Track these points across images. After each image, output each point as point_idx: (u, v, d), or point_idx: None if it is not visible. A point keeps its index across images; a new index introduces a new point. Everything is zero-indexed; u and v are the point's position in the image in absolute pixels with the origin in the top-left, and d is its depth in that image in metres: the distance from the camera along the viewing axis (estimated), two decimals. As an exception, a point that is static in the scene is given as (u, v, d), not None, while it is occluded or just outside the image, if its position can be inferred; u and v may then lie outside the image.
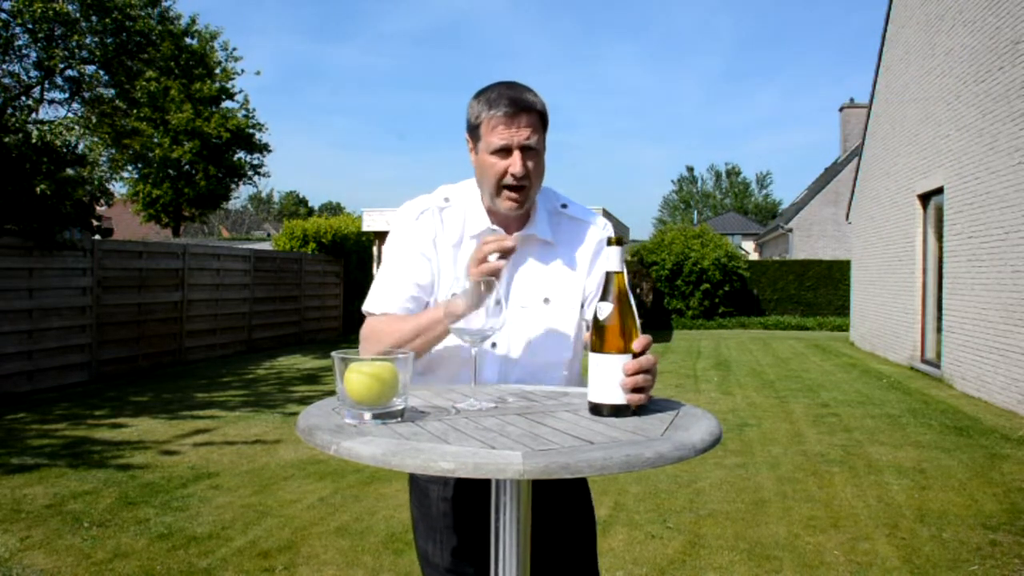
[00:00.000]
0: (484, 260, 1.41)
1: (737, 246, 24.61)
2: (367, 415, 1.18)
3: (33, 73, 10.32)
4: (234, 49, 24.14)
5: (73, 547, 3.62)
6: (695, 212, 66.45)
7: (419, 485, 1.68)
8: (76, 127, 8.61)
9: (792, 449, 5.74)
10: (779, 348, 14.23)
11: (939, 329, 9.90)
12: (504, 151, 1.53)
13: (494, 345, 1.60)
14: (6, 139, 7.99)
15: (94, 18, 10.12)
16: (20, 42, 10.02)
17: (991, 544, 3.74)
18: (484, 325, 1.34)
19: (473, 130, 1.58)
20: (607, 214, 14.63)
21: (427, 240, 1.63)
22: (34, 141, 8.06)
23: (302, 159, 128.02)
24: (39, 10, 9.29)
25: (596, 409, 1.26)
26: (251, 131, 25.47)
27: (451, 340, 1.53)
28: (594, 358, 1.26)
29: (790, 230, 28.54)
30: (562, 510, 1.66)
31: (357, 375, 1.18)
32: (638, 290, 18.81)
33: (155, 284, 10.30)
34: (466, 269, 1.44)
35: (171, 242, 17.83)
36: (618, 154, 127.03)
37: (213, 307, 11.58)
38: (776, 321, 19.99)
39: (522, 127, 1.52)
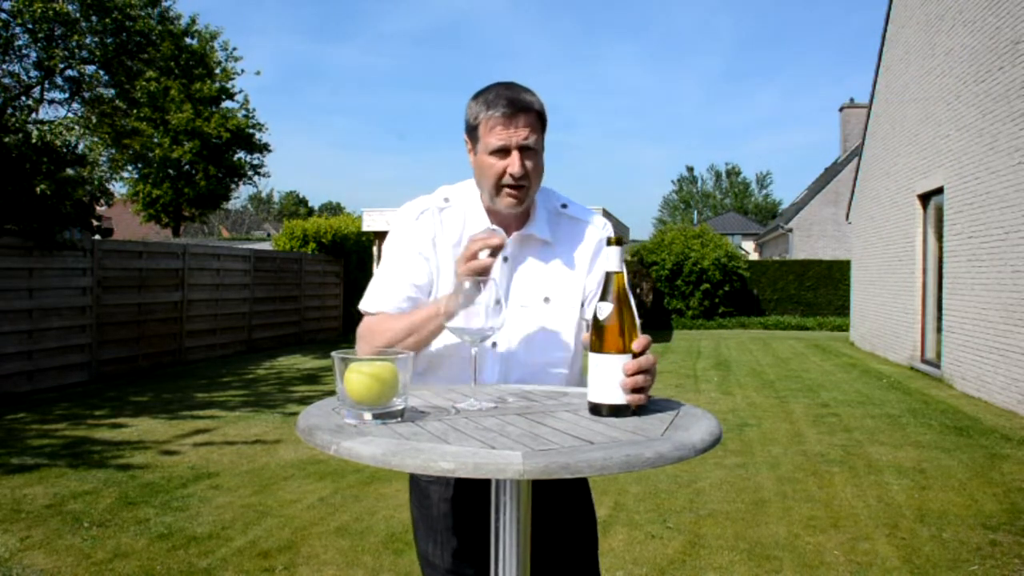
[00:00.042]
0: (473, 257, 1.41)
1: (737, 246, 24.61)
2: (367, 415, 1.18)
3: (33, 73, 10.34)
4: (234, 49, 24.15)
5: (73, 547, 3.62)
6: (695, 212, 66.45)
7: (420, 486, 1.68)
8: (76, 127, 8.61)
9: (792, 449, 5.74)
10: (779, 348, 14.24)
11: (939, 329, 9.90)
12: (502, 151, 1.53)
13: (494, 344, 1.60)
14: (6, 139, 7.99)
15: (94, 18, 10.12)
16: (20, 42, 10.02)
17: (991, 544, 3.74)
18: (484, 325, 1.35)
19: (472, 131, 1.58)
20: (607, 214, 14.63)
21: (426, 240, 1.63)
22: (34, 141, 8.06)
23: (302, 159, 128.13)
24: (39, 10, 9.29)
25: (596, 409, 1.26)
26: (251, 131, 25.47)
27: (451, 340, 1.53)
28: (594, 358, 1.26)
29: (790, 230, 28.55)
30: (563, 511, 1.66)
31: (357, 375, 1.18)
32: (638, 290, 18.81)
33: (155, 284, 10.30)
34: (455, 266, 1.45)
35: (171, 242, 17.83)
36: (618, 154, 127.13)
37: (213, 307, 11.58)
38: (776, 321, 19.99)
39: (520, 127, 1.52)
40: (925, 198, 10.79)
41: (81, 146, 8.72)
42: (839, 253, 25.18)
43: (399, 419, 1.20)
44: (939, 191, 9.99)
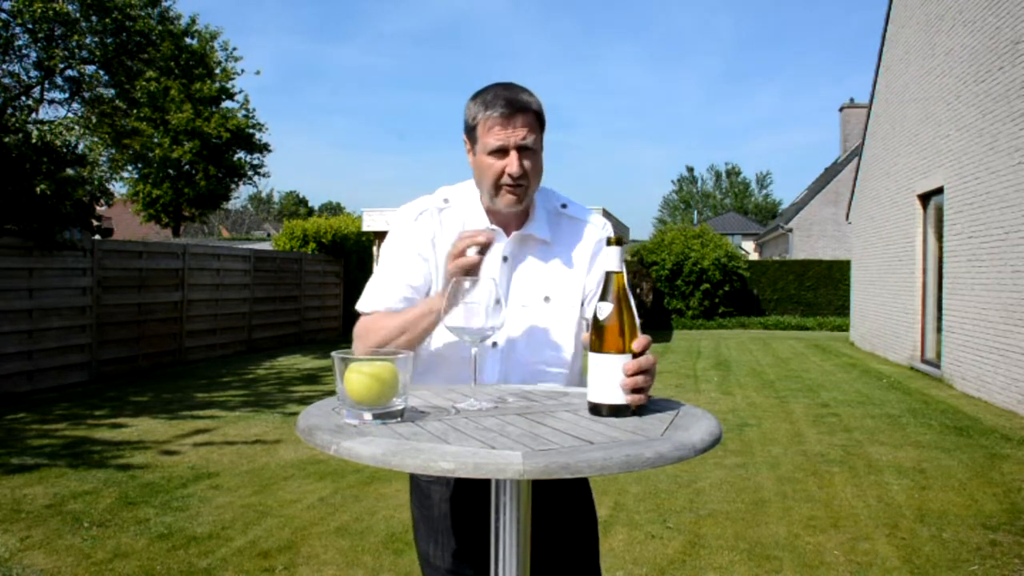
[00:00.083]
0: (461, 255, 1.42)
1: (737, 246, 24.61)
2: (367, 415, 1.18)
3: (33, 73, 10.33)
4: (234, 49, 24.14)
5: (73, 547, 3.62)
6: (695, 212, 66.45)
7: (420, 486, 1.68)
8: (76, 127, 8.61)
9: (792, 449, 5.74)
10: (779, 348, 14.23)
11: (939, 329, 9.90)
12: (501, 151, 1.54)
13: (495, 344, 1.60)
14: (6, 139, 7.99)
15: (94, 18, 10.12)
16: (20, 42, 10.02)
17: (991, 544, 3.74)
18: (484, 325, 1.35)
19: (470, 131, 1.59)
20: (607, 214, 14.63)
21: (425, 240, 1.63)
22: (34, 141, 8.06)
23: (302, 159, 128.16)
24: (39, 10, 9.29)
25: (596, 409, 1.26)
26: (251, 131, 25.46)
27: (451, 340, 1.53)
28: (594, 358, 1.26)
29: (790, 230, 28.54)
30: (564, 511, 1.66)
31: (357, 375, 1.18)
32: (638, 290, 18.81)
33: (155, 284, 10.30)
34: (444, 263, 1.45)
35: (171, 242, 17.83)
36: (618, 154, 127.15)
37: (213, 307, 11.58)
38: (776, 321, 19.99)
39: (518, 127, 1.53)
40: (925, 198, 10.79)
41: (81, 146, 8.72)
42: (839, 253, 25.18)
43: (399, 419, 1.20)
44: (939, 191, 9.99)
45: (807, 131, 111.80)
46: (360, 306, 1.64)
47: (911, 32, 11.30)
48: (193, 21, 19.27)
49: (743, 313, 20.54)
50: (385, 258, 1.67)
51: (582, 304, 1.66)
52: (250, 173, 26.24)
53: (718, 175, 68.47)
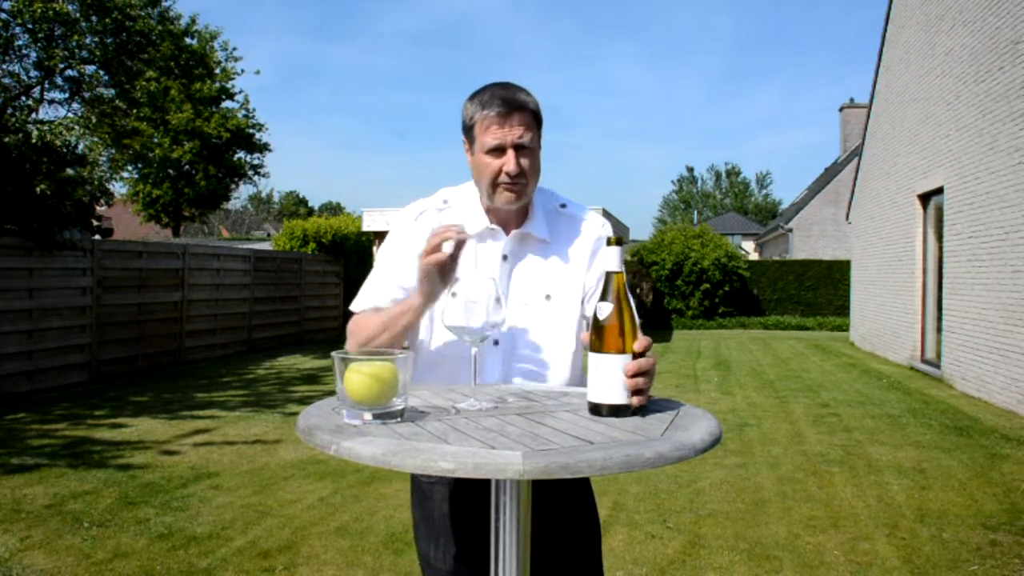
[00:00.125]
0: (434, 251, 1.42)
1: (737, 246, 24.61)
2: (367, 415, 1.18)
3: (33, 73, 10.33)
4: (234, 49, 24.14)
5: (73, 547, 3.62)
6: (695, 212, 66.45)
7: (421, 488, 1.68)
8: (76, 127, 8.61)
9: (792, 449, 5.74)
10: (779, 348, 14.23)
11: (939, 329, 9.90)
12: (498, 150, 1.55)
13: (496, 342, 1.60)
14: (6, 139, 7.99)
15: (94, 18, 10.12)
16: (20, 42, 10.02)
17: (991, 544, 3.74)
18: (484, 324, 1.35)
19: (468, 131, 1.60)
20: (607, 214, 14.63)
21: (422, 241, 1.63)
22: (34, 141, 8.06)
23: (302, 159, 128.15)
24: (39, 10, 9.29)
25: (596, 409, 1.26)
26: (251, 131, 25.47)
27: (451, 339, 1.54)
28: (594, 358, 1.26)
29: (790, 230, 28.54)
30: (565, 511, 1.66)
31: (357, 375, 1.18)
32: (638, 290, 18.81)
33: (155, 284, 10.30)
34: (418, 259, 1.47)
35: (171, 242, 17.83)
36: (618, 154, 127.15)
37: (213, 307, 11.58)
38: (776, 321, 19.99)
39: (515, 126, 1.54)
40: (925, 198, 10.79)
41: (81, 146, 8.71)
42: (839, 253, 25.17)
43: (399, 419, 1.20)
44: (939, 191, 9.99)
45: (807, 131, 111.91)
46: (352, 305, 1.68)
47: (911, 32, 11.30)
48: (193, 21, 19.28)
49: (743, 313, 20.53)
50: (380, 259, 1.69)
51: (582, 302, 1.67)
52: (250, 173, 26.25)
53: (718, 175, 68.49)
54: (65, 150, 8.39)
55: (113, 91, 11.33)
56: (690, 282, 19.85)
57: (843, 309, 19.36)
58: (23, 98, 10.12)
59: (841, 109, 29.82)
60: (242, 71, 25.61)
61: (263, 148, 26.05)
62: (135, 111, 12.29)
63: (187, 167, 25.49)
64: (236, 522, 4.00)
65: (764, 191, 67.71)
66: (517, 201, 1.59)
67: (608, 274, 1.30)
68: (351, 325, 1.64)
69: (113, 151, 13.91)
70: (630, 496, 4.49)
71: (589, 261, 1.67)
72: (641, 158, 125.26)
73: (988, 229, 8.22)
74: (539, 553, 1.57)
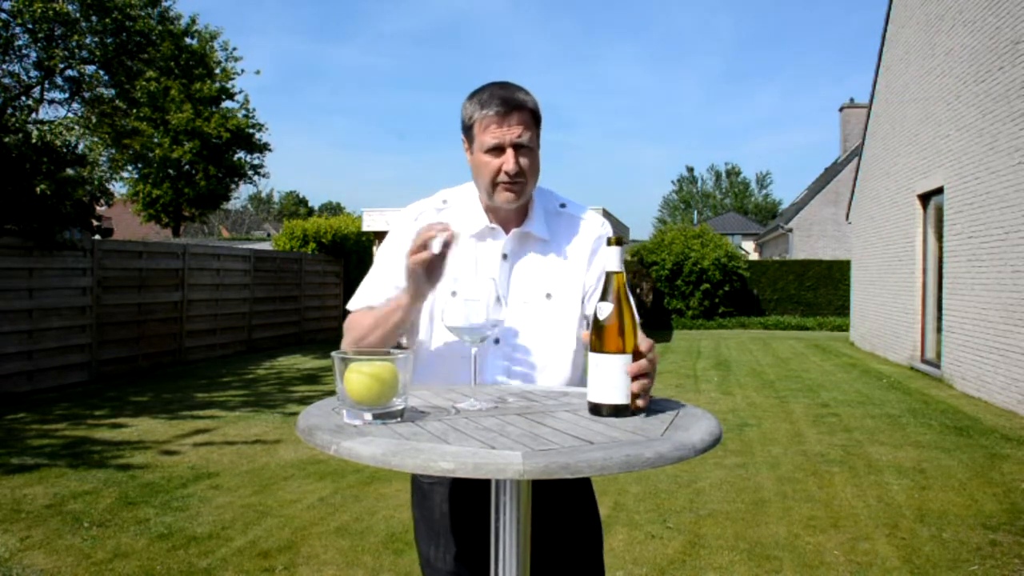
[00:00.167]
0: (420, 250, 1.42)
1: (737, 246, 24.61)
2: (367, 415, 1.18)
3: (33, 73, 10.33)
4: (234, 49, 24.14)
5: (73, 547, 3.62)
6: (695, 212, 66.45)
7: (422, 489, 1.69)
8: (76, 127, 8.61)
9: (792, 449, 5.74)
10: (779, 348, 14.23)
11: (939, 329, 9.90)
12: (497, 150, 1.55)
13: (497, 341, 1.60)
14: (6, 139, 7.99)
15: (94, 18, 10.12)
16: (20, 42, 10.02)
17: (991, 544, 3.74)
18: (484, 324, 1.35)
19: (467, 130, 1.61)
20: (607, 214, 14.63)
21: None
22: (34, 141, 8.06)
23: (302, 159, 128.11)
24: (39, 10, 9.29)
25: (596, 409, 1.26)
26: (251, 131, 25.47)
27: (451, 339, 1.54)
28: (594, 358, 1.26)
29: (790, 230, 28.54)
30: (567, 511, 1.66)
31: (357, 375, 1.18)
32: (638, 290, 18.81)
33: (155, 284, 10.30)
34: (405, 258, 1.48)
35: (171, 242, 17.83)
36: (618, 154, 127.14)
37: (213, 307, 11.58)
38: (776, 321, 19.99)
39: (514, 125, 1.54)
40: (925, 198, 10.79)
41: (81, 146, 8.71)
42: (839, 253, 25.18)
43: (399, 419, 1.20)
44: (939, 191, 9.99)
45: (807, 131, 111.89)
46: (349, 303, 1.70)
47: (911, 32, 11.30)
48: (193, 21, 19.27)
49: (743, 313, 20.53)
50: (378, 258, 1.71)
51: (582, 301, 1.67)
52: (250, 173, 26.25)
53: (718, 175, 68.48)
54: (65, 150, 8.39)
55: (113, 91, 11.32)
56: (690, 282, 19.85)
57: (843, 309, 19.36)
58: (23, 98, 10.12)
59: (841, 109, 29.82)
60: (242, 71, 25.64)
61: (263, 148, 26.05)
62: (135, 111, 12.29)
63: (187, 167, 25.48)
64: (236, 522, 4.00)
65: (764, 191, 67.74)
66: (516, 200, 1.59)
67: (608, 274, 1.30)
68: (346, 323, 1.66)
69: (113, 151, 13.91)
70: (630, 496, 4.49)
71: (589, 260, 1.68)
72: (641, 158, 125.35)
73: (988, 229, 8.22)
74: (542, 553, 1.57)
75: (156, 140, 23.43)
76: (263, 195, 65.15)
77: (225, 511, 4.18)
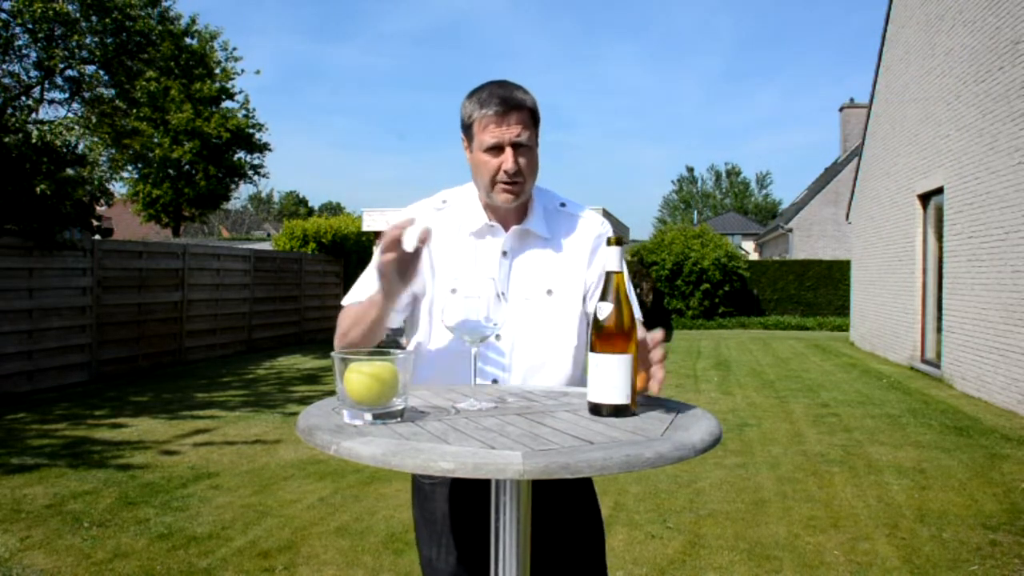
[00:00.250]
0: (389, 248, 1.41)
1: (737, 246, 24.61)
2: (367, 415, 1.18)
3: (33, 73, 10.33)
4: (234, 49, 24.14)
5: (73, 547, 3.62)
6: (695, 212, 66.44)
7: (423, 490, 1.69)
8: (76, 127, 8.61)
9: (792, 449, 5.74)
10: (779, 348, 14.23)
11: (939, 329, 9.90)
12: (496, 149, 1.56)
13: (498, 338, 1.60)
14: (6, 139, 7.99)
15: (94, 18, 10.12)
16: (20, 42, 10.02)
17: (991, 544, 3.74)
18: (484, 324, 1.35)
19: (467, 129, 1.61)
20: (607, 214, 14.64)
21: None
22: (34, 141, 8.06)
23: (302, 159, 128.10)
24: (39, 10, 9.29)
25: (596, 409, 1.26)
26: (251, 131, 25.47)
27: (451, 339, 1.54)
28: (594, 358, 1.26)
29: (790, 230, 28.54)
30: (568, 512, 1.66)
31: (357, 375, 1.18)
32: (638, 290, 18.80)
33: (155, 284, 10.30)
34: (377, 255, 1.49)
35: (171, 242, 17.83)
36: (618, 154, 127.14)
37: (213, 307, 11.58)
38: (776, 321, 19.99)
39: (512, 124, 1.55)
40: (925, 198, 10.79)
41: (81, 146, 8.71)
42: (839, 253, 25.18)
43: (399, 419, 1.20)
44: (939, 191, 9.99)
45: (807, 131, 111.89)
46: (342, 301, 1.72)
47: (911, 32, 11.30)
48: (193, 21, 19.27)
49: (743, 313, 20.53)
50: (374, 257, 1.69)
51: (583, 299, 1.67)
52: (250, 173, 26.25)
53: (718, 175, 68.47)
54: (65, 150, 8.38)
55: (113, 91, 11.32)
56: (690, 282, 19.85)
57: (843, 309, 19.37)
58: (23, 98, 10.12)
59: (841, 109, 29.82)
60: (242, 71, 25.64)
61: (263, 148, 26.05)
62: (135, 111, 12.29)
63: (187, 167, 25.48)
64: (236, 522, 4.00)
65: (764, 191, 67.73)
66: (515, 200, 1.59)
67: (608, 274, 1.31)
68: (338, 319, 1.69)
69: (113, 151, 13.90)
70: (630, 496, 4.49)
71: (589, 258, 1.68)
72: (641, 158, 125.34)
73: (988, 229, 8.22)
74: (544, 554, 1.57)
75: (156, 140, 23.43)
76: (263, 195, 65.20)
77: (225, 511, 4.18)
